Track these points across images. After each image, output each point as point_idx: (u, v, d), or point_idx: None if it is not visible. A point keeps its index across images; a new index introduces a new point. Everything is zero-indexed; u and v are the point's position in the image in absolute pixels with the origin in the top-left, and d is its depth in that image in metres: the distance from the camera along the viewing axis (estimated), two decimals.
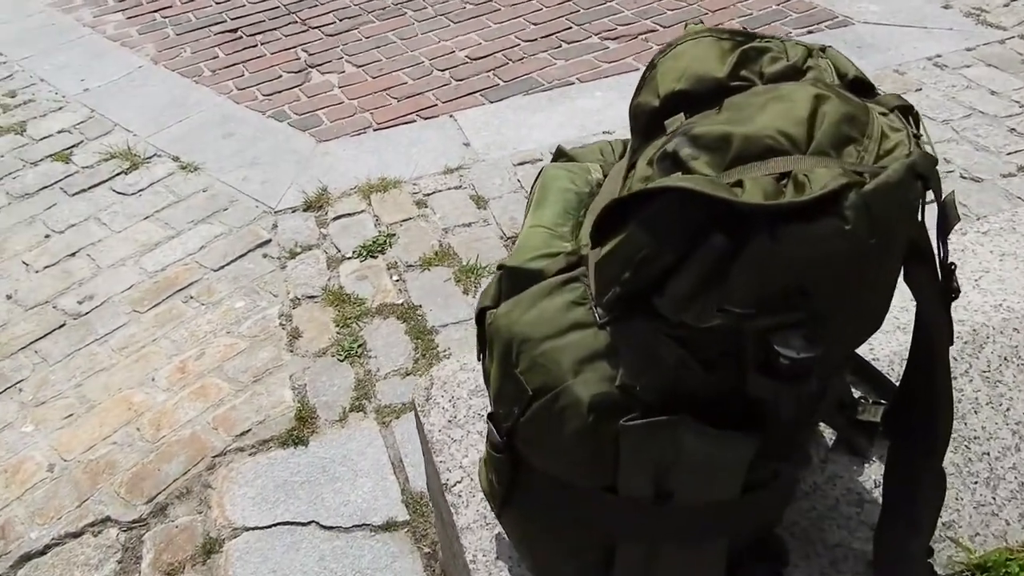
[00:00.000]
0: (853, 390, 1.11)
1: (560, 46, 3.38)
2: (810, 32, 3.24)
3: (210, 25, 3.76)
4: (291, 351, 2.13)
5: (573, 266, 0.85)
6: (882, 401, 1.08)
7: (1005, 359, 1.17)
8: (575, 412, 0.76)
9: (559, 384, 0.77)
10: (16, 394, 2.08)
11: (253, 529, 1.70)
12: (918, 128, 0.81)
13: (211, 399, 2.00)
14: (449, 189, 2.66)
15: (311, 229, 2.56)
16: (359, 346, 2.12)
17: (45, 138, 3.09)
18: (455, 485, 1.15)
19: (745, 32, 0.91)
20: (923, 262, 0.79)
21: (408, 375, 2.00)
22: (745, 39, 0.90)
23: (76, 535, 1.74)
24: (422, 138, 2.92)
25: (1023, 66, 2.95)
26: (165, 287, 2.39)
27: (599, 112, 2.90)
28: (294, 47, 3.55)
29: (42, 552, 1.71)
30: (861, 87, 0.86)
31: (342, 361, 2.08)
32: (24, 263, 2.52)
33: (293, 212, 2.64)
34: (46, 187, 2.84)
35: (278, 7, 3.86)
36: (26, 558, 1.71)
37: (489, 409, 0.90)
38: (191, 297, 2.34)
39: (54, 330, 2.28)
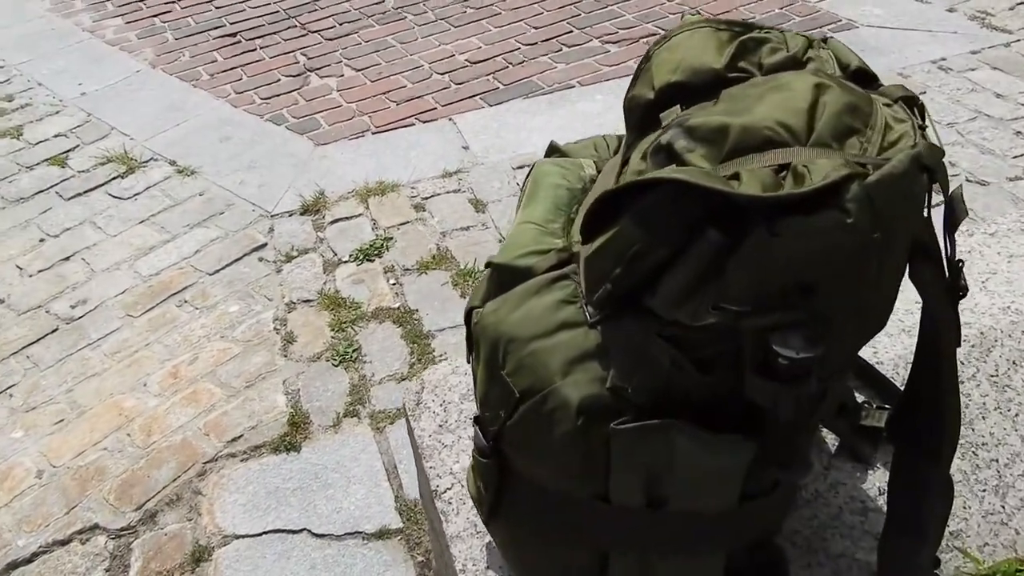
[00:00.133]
0: (857, 395, 1.08)
1: (561, 50, 3.35)
2: None
3: (209, 30, 3.74)
4: (285, 356, 2.09)
5: (563, 263, 0.82)
6: (886, 406, 1.05)
7: (1014, 363, 1.14)
8: (564, 415, 0.72)
9: (547, 386, 0.73)
10: (6, 400, 2.05)
11: (243, 537, 1.67)
12: (924, 119, 0.78)
13: (203, 404, 1.97)
14: (447, 192, 2.63)
15: (308, 233, 2.53)
16: (354, 351, 2.08)
17: (41, 142, 3.07)
18: (445, 492, 1.11)
19: (743, 22, 0.88)
20: (929, 259, 0.75)
21: (403, 380, 1.97)
22: (743, 29, 0.87)
23: (64, 543, 1.70)
24: (421, 141, 2.90)
25: None
26: (159, 291, 2.36)
27: (600, 115, 2.87)
28: (293, 51, 3.53)
29: (29, 560, 1.68)
30: (864, 78, 0.83)
31: (337, 366, 2.05)
32: (18, 267, 2.49)
33: (290, 216, 2.61)
34: (41, 191, 2.82)
35: (278, 12, 3.85)
36: (13, 566, 1.67)
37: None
38: (185, 301, 2.31)
39: (46, 335, 2.25)
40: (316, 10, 3.83)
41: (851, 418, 1.03)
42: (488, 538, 1.02)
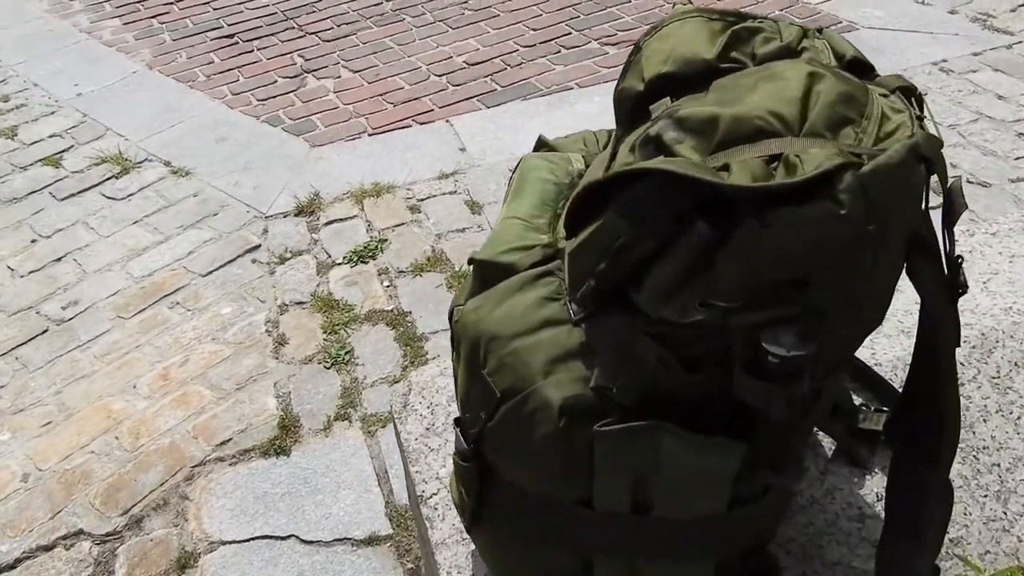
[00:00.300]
0: (854, 397, 1.05)
1: (559, 52, 3.33)
2: None
3: (207, 31, 3.73)
4: (276, 358, 2.07)
5: (548, 259, 0.79)
6: (884, 408, 1.02)
7: (1016, 364, 1.11)
8: (545, 416, 0.69)
9: (528, 385, 0.70)
10: None
11: (230, 543, 1.64)
12: (922, 110, 0.75)
13: (192, 407, 1.94)
14: (443, 194, 2.61)
15: (302, 234, 2.50)
16: (346, 353, 2.05)
17: (36, 142, 3.05)
18: (431, 497, 1.09)
19: (736, 12, 0.85)
20: (927, 254, 0.72)
21: (396, 383, 1.94)
22: (736, 19, 0.84)
23: (48, 548, 1.67)
24: (417, 143, 2.87)
25: None
26: (151, 293, 2.33)
27: (598, 117, 2.84)
28: (290, 53, 3.51)
29: (12, 566, 1.65)
30: (860, 68, 0.80)
31: (328, 368, 2.02)
32: (9, 268, 2.47)
33: (284, 217, 2.58)
34: (35, 192, 2.80)
35: (276, 13, 3.83)
36: None
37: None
38: (177, 303, 2.29)
39: (36, 336, 2.22)
40: (314, 12, 3.81)
41: (848, 421, 1.00)
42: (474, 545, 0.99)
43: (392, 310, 2.18)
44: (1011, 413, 1.06)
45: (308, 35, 3.63)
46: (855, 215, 0.61)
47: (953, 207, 0.71)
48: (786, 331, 0.63)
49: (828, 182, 0.62)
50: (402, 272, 2.31)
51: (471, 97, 3.10)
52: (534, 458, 0.72)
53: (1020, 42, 3.06)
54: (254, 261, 2.41)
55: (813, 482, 1.00)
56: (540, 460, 0.71)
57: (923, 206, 0.71)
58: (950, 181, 0.72)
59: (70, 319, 2.27)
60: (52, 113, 3.22)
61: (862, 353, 1.13)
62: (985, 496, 0.99)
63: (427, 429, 1.16)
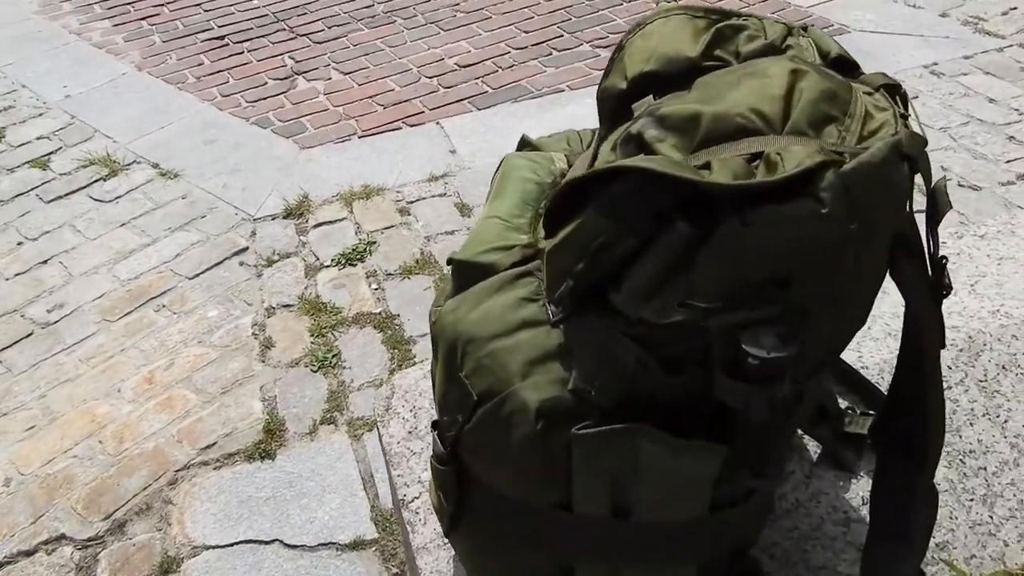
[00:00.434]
0: (840, 400, 1.04)
1: (551, 54, 3.32)
2: None
3: (197, 33, 3.71)
4: (263, 361, 2.05)
5: (528, 259, 0.78)
6: (870, 412, 1.01)
7: (1003, 368, 1.10)
8: (522, 419, 0.68)
9: (506, 388, 0.69)
10: None
11: (213, 548, 1.62)
12: (907, 108, 0.74)
13: (177, 411, 1.92)
14: (433, 197, 2.60)
15: (290, 237, 2.48)
16: (333, 356, 2.04)
17: (23, 144, 3.03)
18: (412, 501, 1.07)
19: (720, 10, 0.84)
20: (911, 255, 0.71)
21: (383, 386, 1.92)
22: (720, 17, 0.83)
23: (29, 553, 1.65)
24: (407, 145, 2.86)
25: (1022, 74, 2.89)
26: (137, 295, 2.31)
27: (589, 119, 2.81)
28: (281, 54, 3.49)
29: None
30: (845, 66, 0.79)
31: (315, 372, 2.00)
32: None
33: (273, 219, 2.57)
34: (21, 194, 2.77)
35: (267, 15, 3.81)
36: None
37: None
38: (163, 306, 2.27)
39: (21, 339, 2.20)
40: (305, 14, 3.79)
41: (834, 424, 0.99)
42: None
43: (380, 313, 2.16)
44: (998, 416, 1.05)
45: (299, 37, 3.62)
46: (837, 214, 0.60)
47: (937, 207, 0.70)
48: (767, 332, 0.62)
49: (810, 180, 0.61)
50: (390, 275, 2.29)
51: (462, 99, 3.09)
52: (511, 461, 0.70)
53: (1011, 45, 3.07)
54: (242, 264, 2.39)
55: (798, 486, 0.99)
56: (517, 463, 0.70)
57: (907, 205, 0.70)
58: (935, 180, 0.71)
59: (55, 322, 2.25)
60: (40, 115, 3.20)
61: (849, 356, 1.12)
62: (971, 500, 0.98)
63: (409, 432, 1.14)
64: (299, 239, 2.47)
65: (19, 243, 2.55)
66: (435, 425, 0.78)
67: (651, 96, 0.79)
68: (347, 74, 3.31)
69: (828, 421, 0.98)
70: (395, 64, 3.35)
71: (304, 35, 3.62)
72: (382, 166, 2.76)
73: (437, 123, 2.97)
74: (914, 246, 0.71)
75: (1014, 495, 0.99)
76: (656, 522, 0.70)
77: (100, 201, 2.72)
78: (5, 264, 2.47)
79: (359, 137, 2.94)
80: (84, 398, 2.00)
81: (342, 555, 1.58)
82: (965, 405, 1.06)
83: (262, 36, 3.64)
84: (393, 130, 2.96)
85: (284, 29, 3.69)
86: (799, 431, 1.01)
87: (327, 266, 2.35)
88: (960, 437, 1.03)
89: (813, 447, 1.02)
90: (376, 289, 2.25)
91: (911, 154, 0.65)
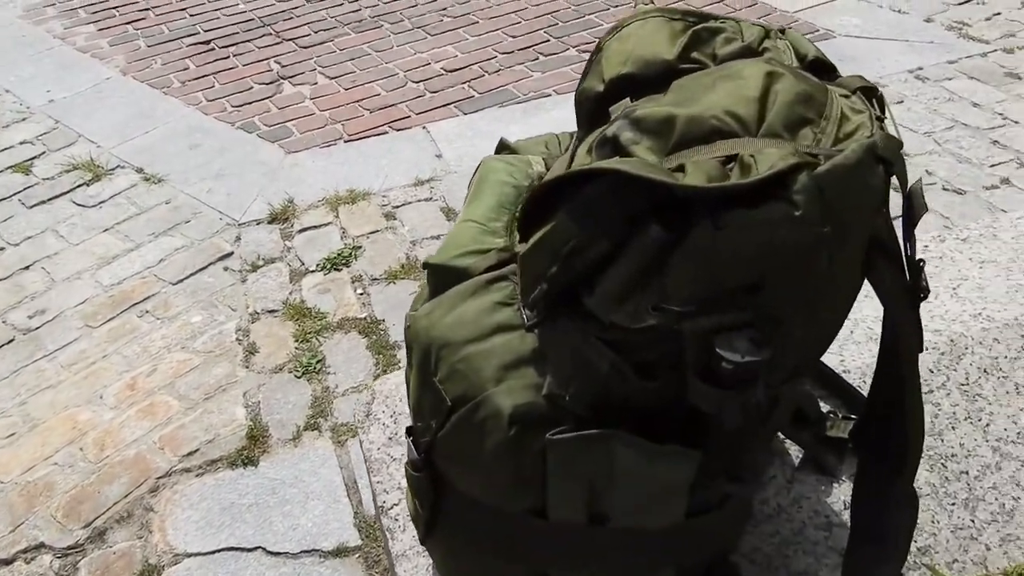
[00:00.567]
0: (822, 404, 1.03)
1: (537, 59, 3.32)
2: None
3: (182, 37, 3.69)
4: (247, 367, 2.03)
5: (504, 263, 0.77)
6: (852, 416, 1.00)
7: (985, 371, 1.09)
8: (496, 424, 0.67)
9: (480, 393, 0.68)
10: None
11: (195, 555, 1.60)
12: (883, 111, 0.74)
13: (159, 417, 1.90)
14: (419, 201, 2.59)
15: (275, 242, 2.47)
16: (318, 362, 2.02)
17: (6, 149, 3.00)
18: (392, 508, 1.06)
19: (698, 12, 0.84)
20: (888, 258, 0.71)
21: (363, 391, 1.91)
22: (698, 19, 0.83)
23: (7, 562, 1.63)
24: (393, 149, 2.85)
25: (1006, 79, 2.90)
26: (120, 301, 2.29)
27: (575, 123, 2.83)
28: (267, 59, 3.47)
29: None
30: (822, 68, 0.79)
31: (299, 377, 1.99)
32: None
33: (258, 224, 2.55)
34: (4, 199, 2.75)
35: (253, 19, 3.80)
36: None
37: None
38: (146, 312, 2.25)
39: (2, 345, 2.17)
40: (292, 18, 3.78)
41: (815, 429, 0.99)
42: None
43: (365, 318, 2.15)
44: (980, 420, 1.05)
45: (285, 41, 3.60)
46: (810, 216, 0.60)
47: (914, 209, 0.70)
48: (741, 336, 0.62)
49: (783, 183, 0.60)
50: (376, 279, 2.28)
51: (448, 104, 3.08)
52: (485, 467, 0.70)
53: (995, 50, 3.08)
54: (226, 269, 2.38)
55: (780, 490, 0.98)
56: (491, 469, 0.69)
57: (884, 208, 0.70)
58: (911, 183, 0.71)
59: (37, 328, 2.22)
60: (23, 119, 3.18)
61: (831, 360, 1.12)
62: (953, 504, 0.98)
63: (389, 438, 1.13)
64: (284, 244, 2.46)
65: (1, 248, 2.53)
66: (410, 431, 0.77)
67: (628, 98, 0.79)
68: (333, 78, 3.30)
69: (809, 425, 0.98)
70: (381, 68, 3.34)
71: (290, 39, 3.61)
72: (368, 170, 2.75)
73: (423, 127, 2.96)
74: (891, 249, 0.71)
75: (996, 499, 0.99)
76: (632, 529, 0.70)
77: (83, 206, 2.69)
78: None
79: (345, 141, 2.93)
80: (65, 405, 1.98)
81: (325, 562, 1.57)
82: (947, 409, 1.06)
83: (248, 40, 3.63)
84: (379, 134, 2.95)
85: (270, 33, 3.68)
86: (781, 435, 1.00)
87: (312, 271, 2.34)
88: (942, 441, 1.03)
89: (795, 451, 1.01)
90: (361, 294, 2.24)
91: (886, 156, 0.65)
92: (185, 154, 2.91)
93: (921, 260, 0.71)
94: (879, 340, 1.08)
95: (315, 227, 2.52)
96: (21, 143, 3.03)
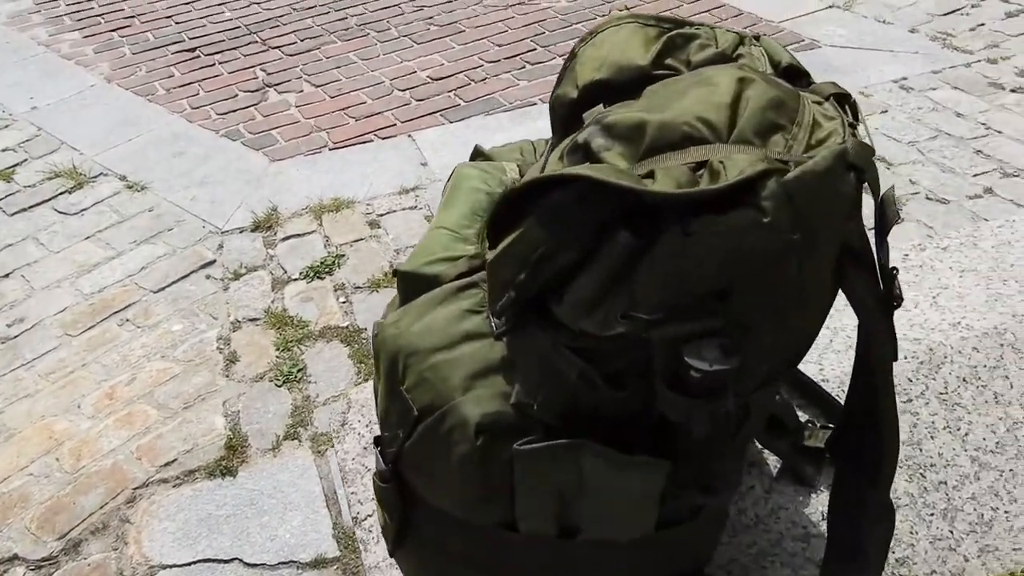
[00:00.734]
0: (800, 414, 1.02)
1: (524, 67, 3.32)
2: None
3: (168, 45, 3.67)
4: (227, 376, 2.01)
5: (475, 270, 0.76)
6: (830, 425, 1.00)
7: (964, 380, 1.09)
8: (463, 434, 0.66)
9: (447, 402, 0.67)
10: None
11: (171, 567, 1.58)
12: (856, 118, 0.73)
13: (137, 427, 1.88)
14: (404, 209, 2.57)
15: (258, 250, 2.45)
16: (299, 371, 2.00)
17: None
18: (366, 519, 1.05)
19: (672, 18, 0.83)
20: (860, 266, 0.70)
21: (339, 400, 1.89)
22: (672, 26, 0.82)
23: None
24: (378, 158, 2.84)
25: (989, 89, 2.91)
26: (100, 309, 2.27)
27: None
28: (252, 67, 3.46)
29: None
30: (795, 75, 0.78)
31: (280, 387, 1.97)
32: None
33: (240, 232, 2.53)
34: None
35: (239, 27, 3.78)
36: None
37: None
38: (127, 320, 2.22)
39: None
40: (278, 26, 3.77)
41: (793, 438, 0.98)
42: None
43: (347, 327, 2.14)
44: (958, 430, 1.04)
45: (271, 49, 3.59)
46: (779, 223, 0.59)
47: (886, 217, 0.70)
48: (710, 345, 0.61)
49: (752, 189, 0.60)
50: (359, 288, 2.26)
51: (434, 112, 3.07)
52: (453, 478, 0.68)
53: (979, 60, 3.10)
54: (208, 277, 2.36)
55: (758, 501, 0.97)
56: (459, 480, 0.68)
57: (856, 216, 0.69)
58: (883, 191, 0.70)
59: (15, 337, 2.20)
60: (6, 127, 3.15)
61: (810, 369, 1.11)
62: (932, 515, 0.97)
63: (364, 448, 1.12)
64: (267, 252, 2.44)
65: None
66: (377, 441, 0.76)
67: (601, 104, 0.78)
68: (319, 87, 3.29)
69: (787, 435, 0.97)
70: (367, 77, 3.33)
71: (276, 47, 3.60)
72: (352, 179, 2.74)
73: (408, 136, 2.95)
74: (863, 257, 0.70)
75: (974, 509, 0.98)
76: (603, 541, 0.69)
77: (65, 214, 2.67)
78: None
79: (330, 150, 2.92)
80: (42, 414, 1.95)
81: (303, 573, 1.55)
82: (926, 418, 1.05)
83: (233, 48, 3.61)
84: (364, 143, 2.94)
85: (256, 41, 3.66)
86: (758, 445, 0.99)
87: (295, 279, 2.32)
88: (920, 450, 1.02)
89: (773, 461, 1.01)
90: (344, 302, 2.22)
91: (858, 164, 0.64)
92: (169, 162, 2.89)
93: (894, 268, 0.71)
94: None
95: (298, 235, 2.50)
96: (3, 150, 3.00)
